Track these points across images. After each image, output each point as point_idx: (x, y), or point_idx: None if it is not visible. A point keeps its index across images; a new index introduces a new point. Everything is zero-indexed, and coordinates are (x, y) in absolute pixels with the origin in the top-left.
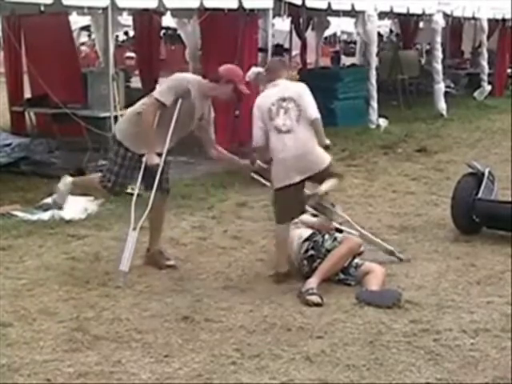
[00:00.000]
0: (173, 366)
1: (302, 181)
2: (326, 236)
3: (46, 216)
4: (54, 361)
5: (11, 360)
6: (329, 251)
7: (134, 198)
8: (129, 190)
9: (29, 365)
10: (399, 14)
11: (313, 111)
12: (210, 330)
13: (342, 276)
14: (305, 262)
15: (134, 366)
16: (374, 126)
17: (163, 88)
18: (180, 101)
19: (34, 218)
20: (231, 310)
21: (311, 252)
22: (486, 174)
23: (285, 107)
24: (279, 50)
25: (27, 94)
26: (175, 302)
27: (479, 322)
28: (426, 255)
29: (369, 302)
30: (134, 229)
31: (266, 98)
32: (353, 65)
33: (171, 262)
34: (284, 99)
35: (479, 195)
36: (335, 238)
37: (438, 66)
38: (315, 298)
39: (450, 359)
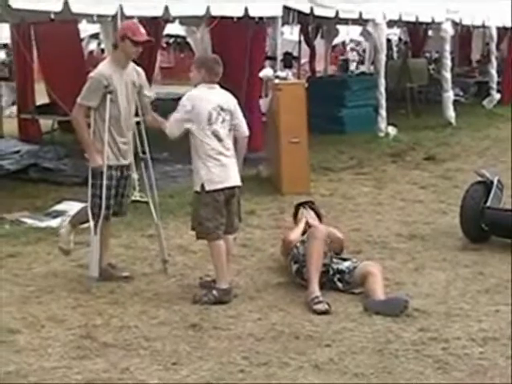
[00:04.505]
0: (181, 374)
1: None
2: (298, 244)
3: (54, 223)
4: (62, 368)
5: (19, 367)
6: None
7: (89, 203)
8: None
9: (37, 372)
10: (408, 23)
11: None
12: (219, 338)
13: (340, 285)
14: (298, 279)
15: (143, 373)
16: (382, 134)
17: (84, 91)
18: (108, 96)
19: (43, 224)
20: (239, 317)
21: (295, 266)
22: (495, 182)
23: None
24: (288, 58)
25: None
26: (183, 309)
27: (488, 331)
28: (435, 263)
29: (377, 312)
30: (95, 234)
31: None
32: (362, 73)
33: (126, 273)
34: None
35: (488, 203)
36: (303, 241)
37: (447, 75)
38: (322, 306)
39: (459, 368)
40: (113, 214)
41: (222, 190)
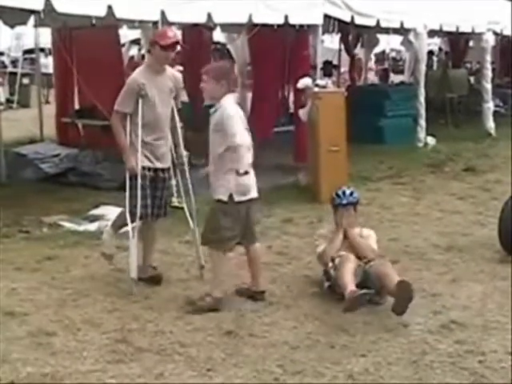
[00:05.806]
0: (215, 380)
1: None
2: (330, 264)
3: (92, 227)
4: (97, 371)
5: (55, 369)
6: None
7: (127, 207)
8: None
9: (72, 375)
10: (449, 33)
11: None
12: (254, 345)
13: (366, 291)
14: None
15: (177, 379)
16: (421, 145)
17: (119, 98)
18: (140, 101)
19: (81, 228)
20: (275, 325)
21: (327, 283)
22: None
23: None
24: (328, 66)
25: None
26: (219, 316)
27: None
28: (472, 275)
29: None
30: (133, 237)
31: None
32: (401, 83)
33: (155, 273)
34: None
35: None
36: (335, 268)
37: (487, 85)
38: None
39: (495, 381)
40: (153, 216)
41: (245, 201)
